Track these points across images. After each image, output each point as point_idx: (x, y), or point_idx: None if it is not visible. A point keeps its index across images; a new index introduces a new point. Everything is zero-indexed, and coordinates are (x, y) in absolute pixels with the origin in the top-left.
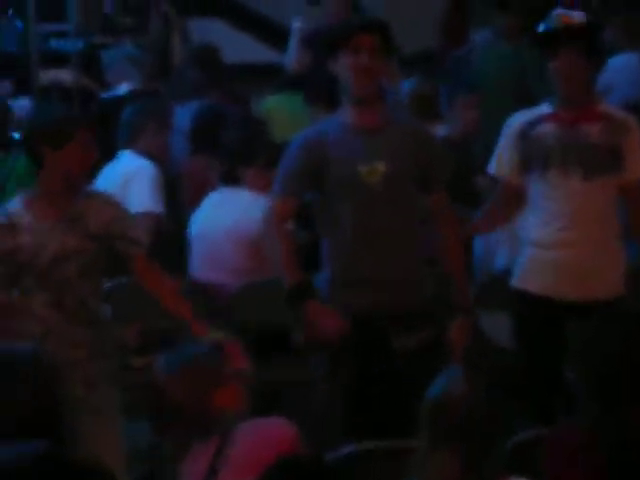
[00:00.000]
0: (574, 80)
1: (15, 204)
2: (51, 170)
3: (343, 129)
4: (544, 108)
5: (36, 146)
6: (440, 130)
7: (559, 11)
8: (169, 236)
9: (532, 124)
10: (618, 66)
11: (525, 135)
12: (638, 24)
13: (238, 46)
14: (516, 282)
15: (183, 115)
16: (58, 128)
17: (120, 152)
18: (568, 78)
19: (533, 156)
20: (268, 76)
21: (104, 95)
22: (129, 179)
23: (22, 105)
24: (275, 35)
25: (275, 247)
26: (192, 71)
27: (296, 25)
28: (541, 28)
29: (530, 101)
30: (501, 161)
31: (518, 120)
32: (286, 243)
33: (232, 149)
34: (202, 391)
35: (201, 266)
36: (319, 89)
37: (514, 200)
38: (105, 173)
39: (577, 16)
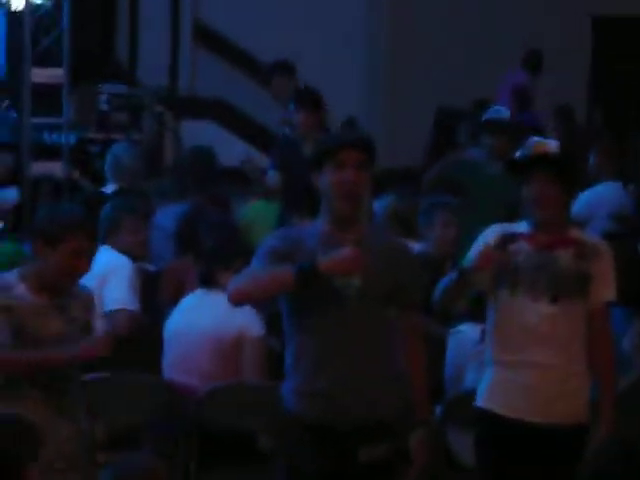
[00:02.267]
0: (547, 206)
1: (10, 275)
2: (42, 264)
3: (320, 239)
4: (521, 226)
5: (33, 237)
6: (416, 247)
7: (535, 139)
8: (144, 333)
9: (509, 239)
10: (599, 197)
11: (500, 247)
12: (620, 152)
13: (228, 149)
14: (480, 402)
15: (168, 215)
16: (56, 226)
17: (99, 247)
18: (541, 204)
19: (503, 272)
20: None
21: (92, 191)
22: (106, 275)
23: (9, 195)
24: (266, 140)
25: (259, 275)
26: (182, 172)
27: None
28: (517, 155)
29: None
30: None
31: (495, 231)
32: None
33: (210, 251)
34: None
35: (173, 367)
36: (299, 199)
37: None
38: None
39: (552, 144)
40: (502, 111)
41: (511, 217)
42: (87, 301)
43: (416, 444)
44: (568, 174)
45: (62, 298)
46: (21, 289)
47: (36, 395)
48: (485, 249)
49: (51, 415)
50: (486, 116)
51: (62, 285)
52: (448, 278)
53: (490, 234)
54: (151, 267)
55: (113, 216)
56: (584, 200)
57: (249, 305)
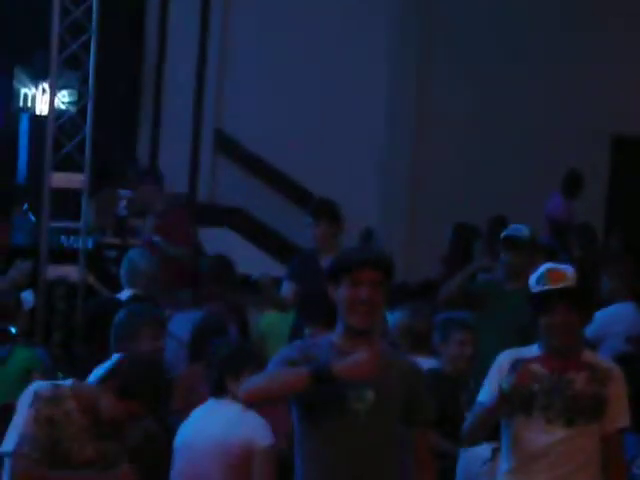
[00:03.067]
0: (567, 335)
1: (64, 387)
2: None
3: (333, 351)
4: (534, 349)
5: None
6: (428, 362)
7: (549, 266)
8: (155, 442)
9: (520, 363)
10: (612, 316)
11: (512, 373)
12: (632, 275)
13: (245, 258)
14: None
15: (182, 323)
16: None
17: (113, 355)
18: (561, 334)
19: (517, 396)
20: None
21: (107, 297)
22: None
23: (26, 298)
24: (283, 250)
25: (273, 377)
26: (202, 279)
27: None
28: (534, 288)
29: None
30: (490, 392)
31: (508, 356)
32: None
33: (221, 360)
34: None
35: (181, 477)
36: (313, 310)
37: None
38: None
39: (568, 271)
40: (521, 229)
41: (524, 337)
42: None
43: None
44: (587, 303)
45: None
46: (71, 405)
47: None
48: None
49: None
50: (505, 233)
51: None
52: (473, 413)
53: (503, 360)
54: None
55: (131, 324)
56: (598, 320)
57: (260, 408)
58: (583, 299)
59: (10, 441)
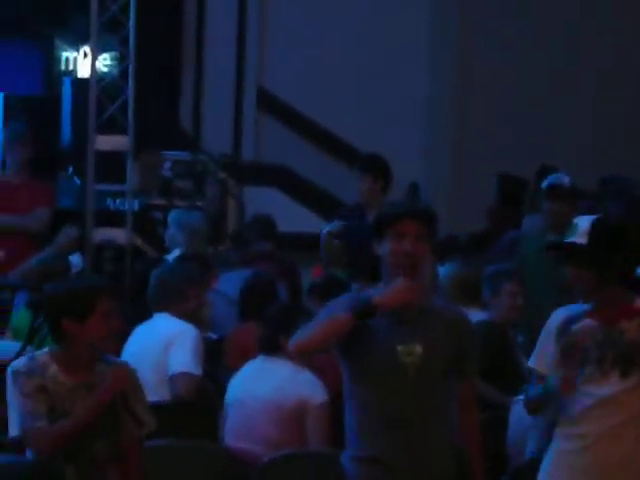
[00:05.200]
0: (584, 291)
1: (42, 355)
2: (73, 342)
3: None
4: (582, 305)
5: (57, 320)
6: (479, 315)
7: (578, 219)
8: (206, 400)
9: (572, 320)
10: None
11: (565, 331)
12: None
13: (292, 216)
14: (544, 477)
15: (232, 281)
16: (79, 301)
17: (155, 314)
18: (579, 290)
19: (570, 352)
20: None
21: (155, 258)
22: (170, 341)
23: (73, 262)
24: (328, 207)
25: (316, 325)
26: (248, 239)
27: (325, 231)
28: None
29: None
30: (541, 356)
31: (560, 316)
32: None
33: (274, 319)
34: None
35: (234, 433)
36: (362, 266)
37: None
38: (141, 335)
39: (581, 225)
40: (562, 177)
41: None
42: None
43: None
44: (602, 256)
45: (90, 377)
46: (53, 370)
47: (71, 473)
48: (565, 376)
49: None
50: (546, 182)
51: (98, 354)
52: (535, 390)
53: (553, 323)
54: (213, 335)
55: (177, 285)
56: None
57: (312, 362)
58: (594, 254)
59: (13, 426)
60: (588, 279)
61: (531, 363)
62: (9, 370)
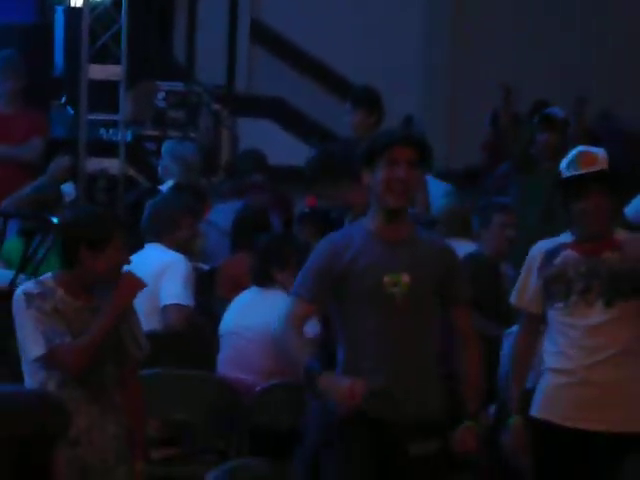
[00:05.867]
0: (600, 220)
1: (48, 280)
2: (83, 269)
3: (368, 237)
4: (566, 237)
5: (75, 246)
6: (469, 247)
7: (580, 149)
8: (198, 330)
9: (553, 253)
10: None
11: (546, 264)
12: None
13: (285, 148)
14: (536, 412)
15: (223, 213)
16: (100, 230)
17: (147, 244)
18: (595, 219)
19: (554, 285)
20: None
21: (147, 188)
22: (162, 271)
23: (66, 191)
24: (323, 140)
25: (289, 345)
26: (241, 171)
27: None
28: (564, 173)
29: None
30: (522, 292)
31: (539, 249)
32: (301, 342)
33: (266, 250)
34: None
35: (228, 364)
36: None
37: (537, 329)
38: (132, 265)
39: (599, 154)
40: (556, 110)
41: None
42: None
43: (460, 434)
44: (620, 186)
45: (93, 301)
46: (60, 293)
47: (82, 395)
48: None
49: (97, 414)
50: (541, 113)
51: (105, 283)
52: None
53: (534, 255)
54: (205, 266)
55: (170, 215)
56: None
57: None
58: (616, 182)
59: (37, 345)
60: (609, 205)
61: (512, 300)
62: (20, 293)
